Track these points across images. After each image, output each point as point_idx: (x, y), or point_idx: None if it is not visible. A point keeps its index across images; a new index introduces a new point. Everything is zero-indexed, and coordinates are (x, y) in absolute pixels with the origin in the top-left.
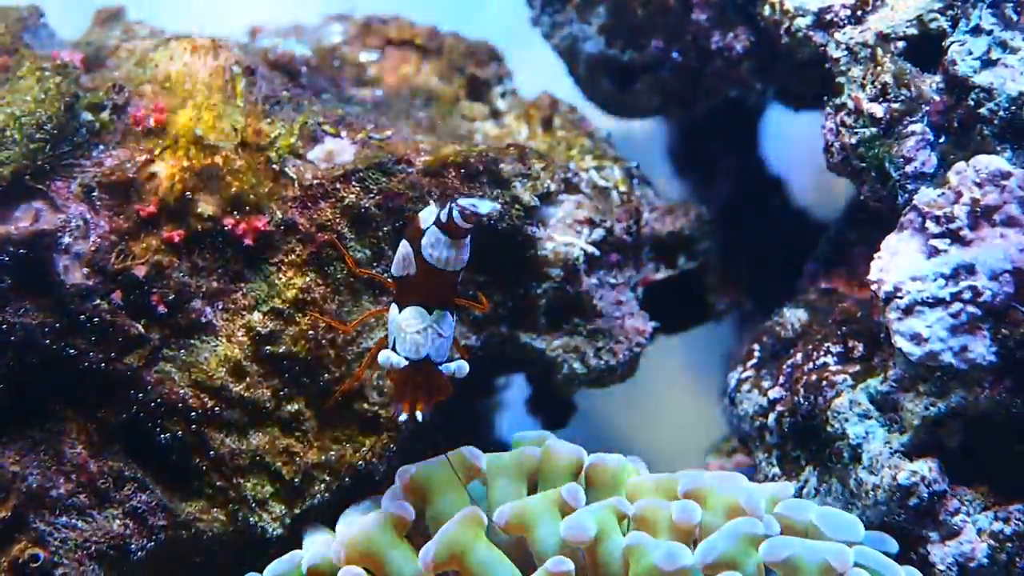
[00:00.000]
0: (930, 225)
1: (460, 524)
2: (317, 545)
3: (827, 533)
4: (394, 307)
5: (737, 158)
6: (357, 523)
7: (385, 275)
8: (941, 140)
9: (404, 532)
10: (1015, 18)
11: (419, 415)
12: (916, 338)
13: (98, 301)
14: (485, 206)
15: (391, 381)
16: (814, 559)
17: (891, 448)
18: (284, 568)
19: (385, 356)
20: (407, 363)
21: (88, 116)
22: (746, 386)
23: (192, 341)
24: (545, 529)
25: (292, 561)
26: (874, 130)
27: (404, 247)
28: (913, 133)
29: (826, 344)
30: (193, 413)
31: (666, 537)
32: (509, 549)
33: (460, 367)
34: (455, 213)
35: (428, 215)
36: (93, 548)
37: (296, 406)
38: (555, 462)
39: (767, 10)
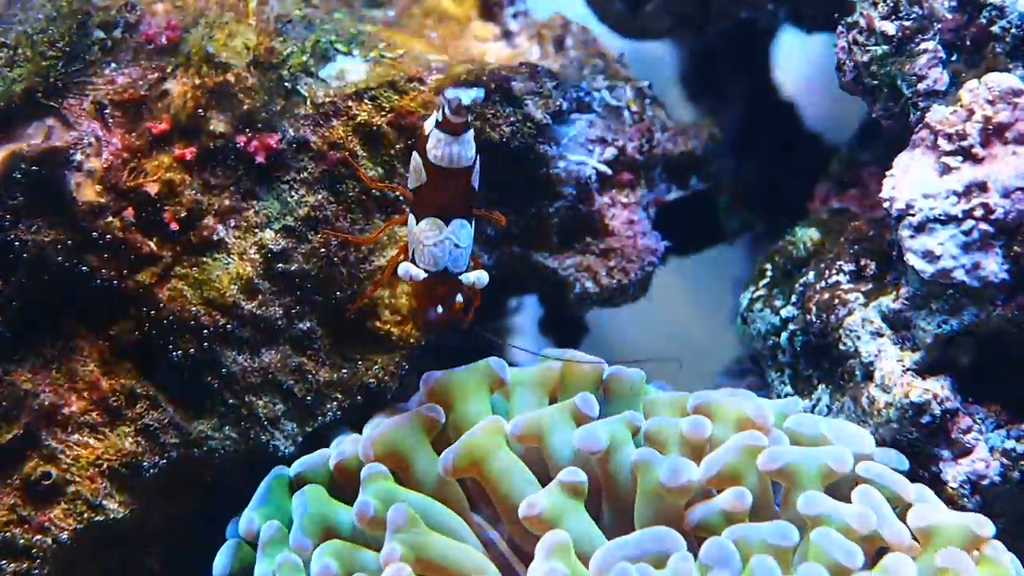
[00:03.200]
0: (942, 143)
1: (483, 431)
2: (345, 444)
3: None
4: (412, 218)
5: (749, 80)
6: (386, 423)
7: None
8: (953, 58)
9: (432, 435)
10: None
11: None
12: (928, 255)
13: (110, 218)
14: (468, 95)
15: (412, 292)
16: (813, 464)
17: (903, 366)
18: (313, 463)
19: (404, 268)
20: (426, 275)
21: (100, 34)
22: (758, 305)
23: (204, 259)
24: (559, 438)
25: (321, 458)
26: (886, 48)
27: (415, 158)
28: (925, 51)
29: (838, 263)
30: (205, 331)
31: (677, 452)
32: (526, 462)
33: (480, 277)
34: (446, 108)
35: (430, 123)
36: (105, 466)
37: (308, 324)
38: (575, 372)
39: None
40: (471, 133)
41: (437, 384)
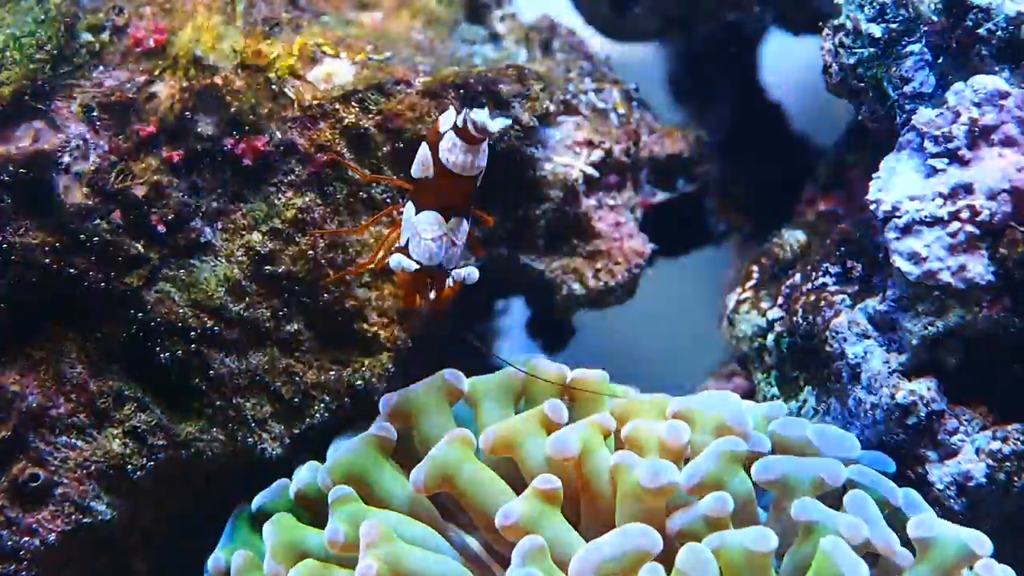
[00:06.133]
0: (928, 145)
1: (449, 445)
2: (304, 471)
3: (823, 450)
4: (410, 206)
5: (736, 83)
6: (342, 448)
7: (401, 176)
8: (939, 60)
9: (389, 453)
10: None
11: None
12: (914, 257)
13: (98, 221)
14: (496, 124)
15: (400, 282)
16: (806, 475)
17: (889, 367)
18: (273, 494)
19: (397, 260)
20: (418, 267)
21: (88, 37)
22: (745, 307)
23: (192, 261)
24: (531, 447)
25: (280, 488)
26: (872, 50)
27: (424, 149)
28: (911, 53)
29: (825, 264)
30: (193, 333)
31: (656, 457)
32: (499, 470)
33: (470, 273)
34: (468, 123)
35: (447, 119)
36: (93, 467)
37: (295, 326)
38: (537, 380)
39: None
40: (487, 143)
41: (397, 405)
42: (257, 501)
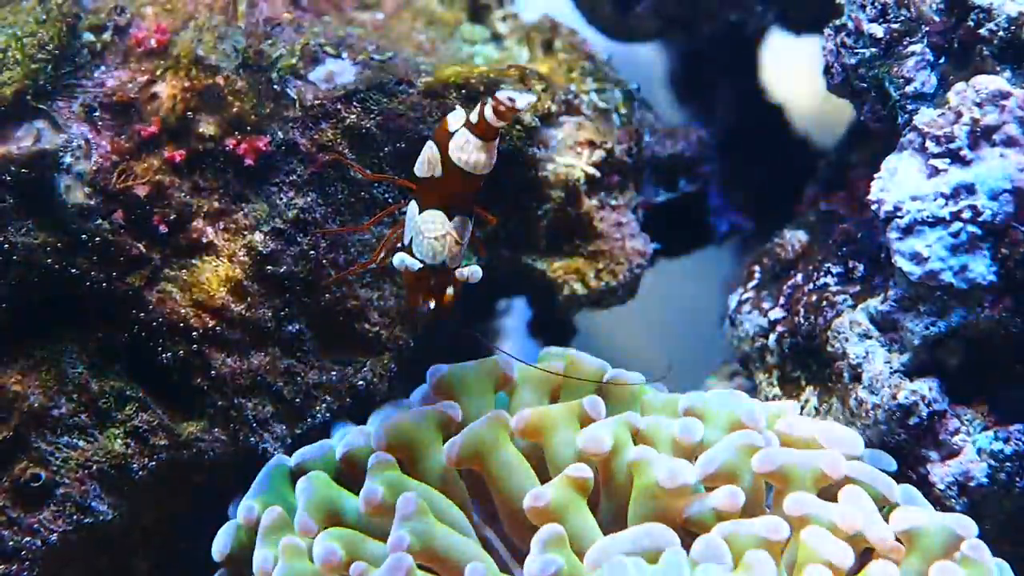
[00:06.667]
0: (930, 145)
1: (487, 425)
2: (353, 435)
3: (827, 447)
4: (413, 205)
5: (738, 83)
6: (401, 415)
7: (403, 176)
8: (941, 61)
9: (447, 433)
10: None
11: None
12: (916, 257)
13: (100, 221)
14: (523, 99)
15: (404, 282)
16: (807, 466)
17: (891, 368)
18: (313, 453)
19: (400, 259)
20: (421, 266)
21: (90, 37)
22: (746, 307)
23: (193, 261)
24: (562, 437)
25: (322, 448)
26: (874, 51)
27: (430, 148)
28: (913, 53)
29: (826, 265)
30: (194, 333)
31: (669, 454)
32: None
33: (474, 272)
34: (487, 110)
35: (456, 118)
36: (94, 468)
37: (297, 326)
38: (577, 373)
39: None
40: (497, 141)
41: (444, 378)
42: (297, 457)
